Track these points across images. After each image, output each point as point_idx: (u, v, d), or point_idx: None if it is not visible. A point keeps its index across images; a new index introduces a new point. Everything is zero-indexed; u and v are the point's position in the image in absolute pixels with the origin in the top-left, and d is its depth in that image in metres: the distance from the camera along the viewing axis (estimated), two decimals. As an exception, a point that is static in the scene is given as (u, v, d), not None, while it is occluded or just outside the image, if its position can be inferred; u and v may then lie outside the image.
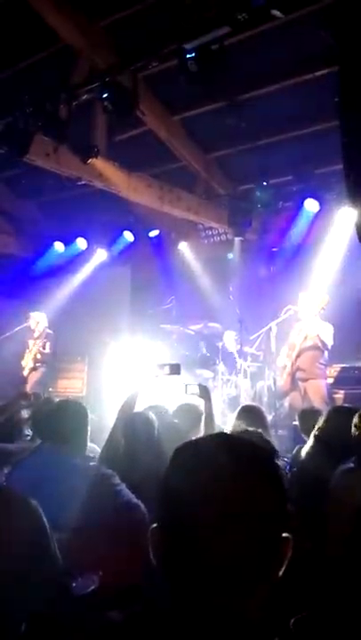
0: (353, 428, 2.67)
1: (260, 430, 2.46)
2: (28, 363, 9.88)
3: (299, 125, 8.39)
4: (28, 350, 9.99)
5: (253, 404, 4.26)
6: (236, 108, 7.75)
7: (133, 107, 5.53)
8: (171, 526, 0.97)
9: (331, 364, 8.21)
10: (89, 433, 3.10)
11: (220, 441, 1.05)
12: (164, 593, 0.94)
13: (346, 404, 5.88)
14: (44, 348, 9.84)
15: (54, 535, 2.09)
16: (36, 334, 10.03)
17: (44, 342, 9.91)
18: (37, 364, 9.82)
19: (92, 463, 3.01)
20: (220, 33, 4.50)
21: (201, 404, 4.61)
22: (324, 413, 3.74)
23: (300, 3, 5.76)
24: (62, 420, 3.01)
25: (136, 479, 3.06)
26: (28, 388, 9.30)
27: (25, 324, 9.94)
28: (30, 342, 10.02)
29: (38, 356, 9.82)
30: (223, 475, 0.96)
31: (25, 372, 9.89)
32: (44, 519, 1.74)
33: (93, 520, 2.63)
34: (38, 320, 10.08)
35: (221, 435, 1.13)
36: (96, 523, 2.62)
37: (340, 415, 3.56)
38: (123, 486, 2.91)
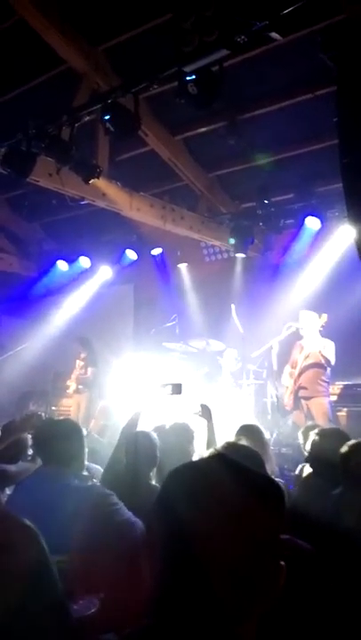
0: (341, 457, 2.70)
1: (247, 444, 2.47)
2: (71, 385, 10.05)
3: (299, 144, 8.46)
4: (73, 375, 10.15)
5: (252, 422, 4.24)
6: (237, 127, 7.83)
7: (135, 128, 5.59)
8: (166, 544, 0.98)
9: (333, 381, 8.20)
10: (86, 452, 3.10)
11: (216, 463, 1.06)
12: (161, 613, 0.95)
13: (334, 426, 5.92)
14: (85, 373, 9.93)
15: (55, 558, 2.09)
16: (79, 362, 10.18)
17: (86, 367, 9.97)
18: (80, 388, 9.91)
19: (90, 483, 3.01)
20: (219, 55, 4.56)
21: (202, 423, 4.60)
22: (311, 437, 3.76)
23: (298, 25, 5.84)
24: (59, 442, 3.01)
25: (137, 498, 3.05)
26: (73, 412, 9.51)
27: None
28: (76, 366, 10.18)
29: (80, 380, 9.95)
30: (219, 495, 0.97)
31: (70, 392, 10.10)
32: (44, 545, 1.73)
33: (93, 541, 2.63)
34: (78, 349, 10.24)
35: (217, 457, 1.13)
36: (96, 543, 2.62)
37: (323, 439, 3.63)
38: (121, 505, 2.91)
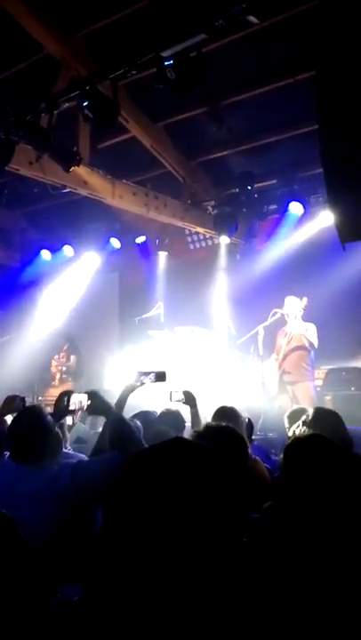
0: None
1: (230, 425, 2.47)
2: (56, 375, 10.13)
3: (282, 130, 8.45)
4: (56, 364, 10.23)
5: (229, 405, 4.24)
6: (219, 114, 7.80)
7: (114, 114, 5.54)
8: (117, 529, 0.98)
9: (318, 366, 8.25)
10: (53, 433, 3.02)
11: (170, 448, 1.05)
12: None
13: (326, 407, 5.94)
14: (67, 360, 9.94)
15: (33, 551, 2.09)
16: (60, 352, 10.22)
17: (67, 355, 9.98)
18: (64, 376, 9.93)
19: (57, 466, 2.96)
20: (197, 40, 4.53)
21: (186, 410, 4.61)
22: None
23: (276, 9, 5.81)
24: (20, 434, 2.97)
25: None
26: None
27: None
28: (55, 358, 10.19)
29: (63, 369, 9.95)
30: (166, 480, 0.98)
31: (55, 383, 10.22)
32: (19, 534, 1.72)
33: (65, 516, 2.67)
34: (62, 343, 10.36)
35: (174, 441, 1.12)
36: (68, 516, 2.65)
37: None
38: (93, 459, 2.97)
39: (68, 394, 3.43)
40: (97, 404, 3.30)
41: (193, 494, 0.97)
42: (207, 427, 2.37)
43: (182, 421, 4.68)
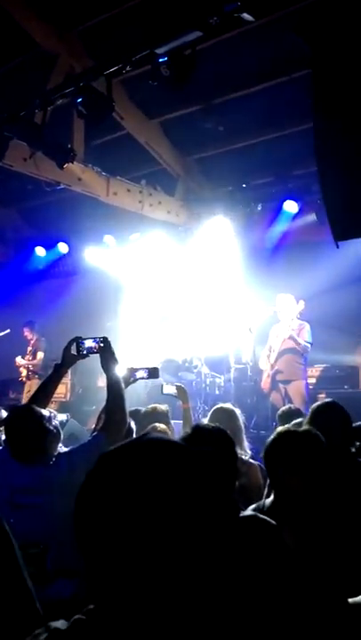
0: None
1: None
2: (23, 372, 10.13)
3: (277, 127, 8.43)
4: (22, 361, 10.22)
5: (226, 404, 4.24)
6: (213, 110, 7.79)
7: (108, 111, 5.53)
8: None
9: (312, 364, 8.26)
10: (46, 432, 3.02)
11: (138, 450, 1.01)
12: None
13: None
14: (34, 358, 9.93)
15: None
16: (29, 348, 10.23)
17: (35, 351, 9.97)
18: (30, 374, 9.92)
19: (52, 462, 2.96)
20: (191, 37, 4.52)
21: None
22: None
23: (271, 7, 5.79)
24: (15, 435, 2.97)
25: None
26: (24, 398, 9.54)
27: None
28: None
29: (31, 367, 9.94)
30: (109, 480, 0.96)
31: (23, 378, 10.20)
32: (8, 531, 1.70)
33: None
34: (27, 333, 10.30)
35: (138, 440, 1.06)
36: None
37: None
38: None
39: (77, 339, 3.49)
40: (109, 348, 3.36)
41: (160, 499, 0.93)
42: (197, 428, 2.36)
43: (165, 416, 4.65)
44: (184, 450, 1.03)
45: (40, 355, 9.96)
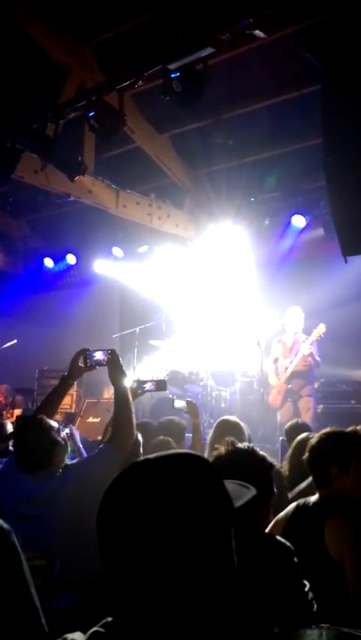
0: (306, 454, 2.70)
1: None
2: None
3: (286, 142, 8.48)
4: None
5: (231, 417, 4.23)
6: (223, 125, 7.84)
7: (120, 125, 5.57)
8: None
9: (318, 378, 8.26)
10: (55, 443, 3.01)
11: (139, 468, 1.01)
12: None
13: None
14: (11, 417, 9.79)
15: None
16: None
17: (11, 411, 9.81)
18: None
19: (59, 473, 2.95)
20: (203, 53, 4.57)
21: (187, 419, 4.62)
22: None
23: (283, 23, 5.85)
24: (24, 445, 2.97)
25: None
26: None
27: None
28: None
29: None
30: (127, 501, 0.95)
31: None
32: (16, 543, 1.69)
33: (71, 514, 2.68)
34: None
35: (145, 461, 1.04)
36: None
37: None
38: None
39: (85, 351, 3.50)
40: (117, 360, 3.36)
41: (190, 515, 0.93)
42: (234, 449, 2.22)
43: (183, 430, 4.68)
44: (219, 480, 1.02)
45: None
